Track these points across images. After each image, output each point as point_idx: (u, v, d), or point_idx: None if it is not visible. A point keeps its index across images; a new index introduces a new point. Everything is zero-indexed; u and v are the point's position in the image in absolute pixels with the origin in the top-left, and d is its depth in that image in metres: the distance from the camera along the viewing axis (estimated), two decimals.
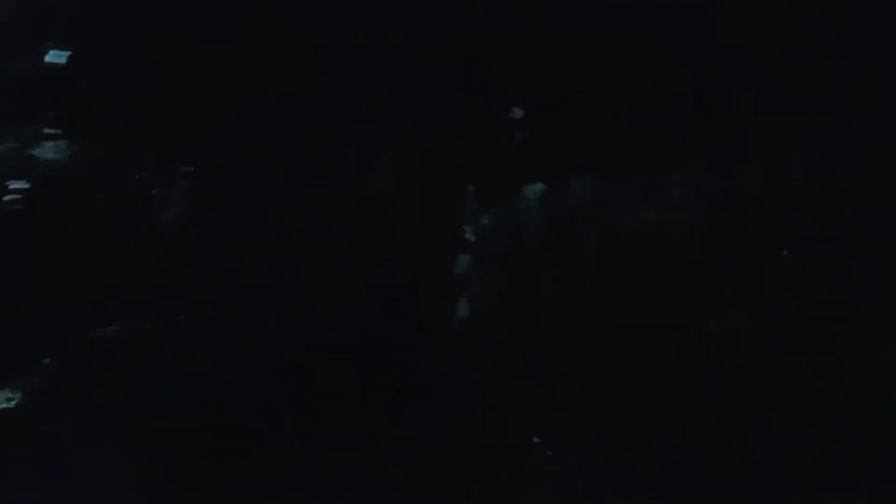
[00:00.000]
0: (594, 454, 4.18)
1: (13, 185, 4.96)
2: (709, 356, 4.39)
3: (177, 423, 4.28)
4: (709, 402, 4.28)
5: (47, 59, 5.42)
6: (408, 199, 4.88)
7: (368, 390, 4.37)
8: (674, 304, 4.51)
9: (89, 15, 5.68)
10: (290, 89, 5.26)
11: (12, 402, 4.33)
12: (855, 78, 5.10)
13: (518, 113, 5.12)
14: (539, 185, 4.85)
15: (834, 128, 4.94)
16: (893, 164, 4.83)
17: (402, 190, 4.91)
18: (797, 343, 4.40)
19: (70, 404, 4.36)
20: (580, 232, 4.73)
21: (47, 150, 5.12)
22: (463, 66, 5.31)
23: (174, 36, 5.54)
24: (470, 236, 4.75)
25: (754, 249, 4.65)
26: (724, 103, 5.08)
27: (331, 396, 4.35)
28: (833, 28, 5.30)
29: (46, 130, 5.16)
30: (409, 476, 4.16)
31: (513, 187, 4.87)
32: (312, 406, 4.33)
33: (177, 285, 4.65)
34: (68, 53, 5.45)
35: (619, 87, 5.15)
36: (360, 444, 4.21)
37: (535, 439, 4.22)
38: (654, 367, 4.37)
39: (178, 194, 4.94)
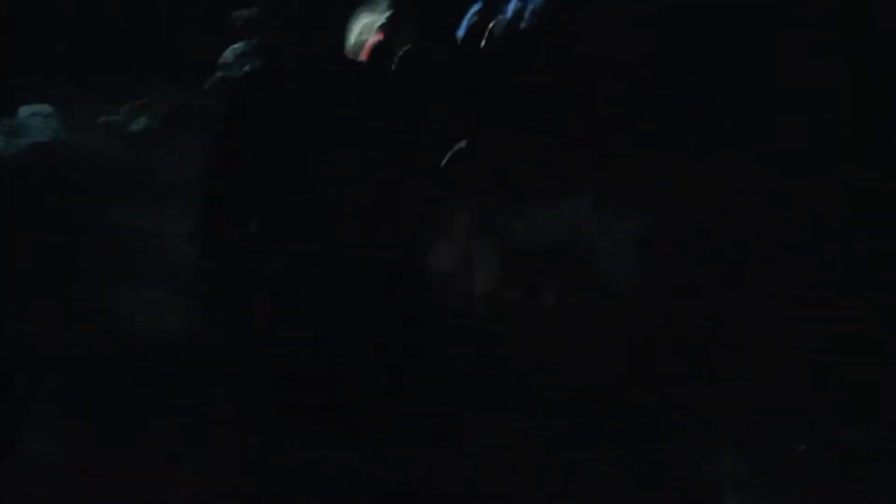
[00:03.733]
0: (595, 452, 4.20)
1: None
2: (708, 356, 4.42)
3: (179, 421, 4.30)
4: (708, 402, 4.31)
5: None
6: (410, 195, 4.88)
7: (367, 387, 4.38)
8: (674, 303, 4.53)
9: None
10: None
11: None
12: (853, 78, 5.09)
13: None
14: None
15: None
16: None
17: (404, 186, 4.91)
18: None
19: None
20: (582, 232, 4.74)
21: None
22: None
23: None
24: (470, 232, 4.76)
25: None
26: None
27: (329, 396, 4.36)
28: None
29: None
30: (410, 475, 4.17)
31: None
32: (311, 406, 4.35)
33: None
34: None
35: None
36: (360, 443, 4.23)
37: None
38: (655, 367, 4.39)
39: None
